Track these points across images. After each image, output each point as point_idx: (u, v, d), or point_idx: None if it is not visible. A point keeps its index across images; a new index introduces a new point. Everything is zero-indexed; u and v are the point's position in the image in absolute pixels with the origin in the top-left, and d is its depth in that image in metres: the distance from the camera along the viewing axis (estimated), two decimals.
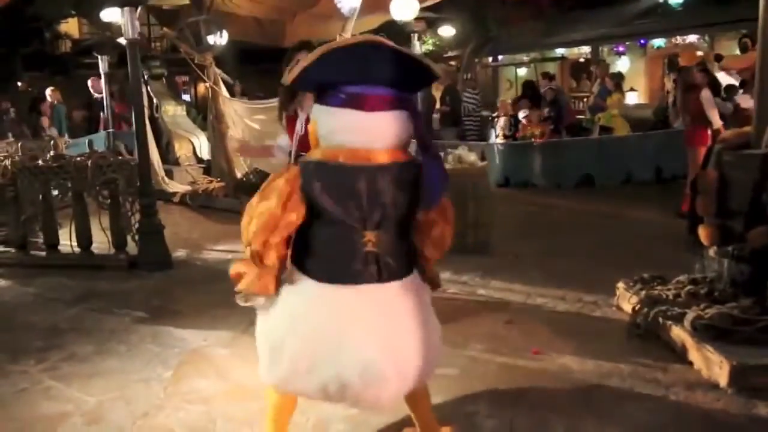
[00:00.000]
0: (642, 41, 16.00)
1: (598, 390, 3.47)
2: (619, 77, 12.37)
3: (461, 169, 6.18)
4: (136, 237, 5.93)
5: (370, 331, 2.50)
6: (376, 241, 2.51)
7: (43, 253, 6.31)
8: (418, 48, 8.02)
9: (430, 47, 15.51)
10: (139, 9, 5.94)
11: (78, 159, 5.96)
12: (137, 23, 5.89)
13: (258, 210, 2.50)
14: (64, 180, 6.03)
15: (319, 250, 2.56)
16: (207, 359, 3.98)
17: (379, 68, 2.43)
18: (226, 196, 8.58)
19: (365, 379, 2.48)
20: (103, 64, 10.77)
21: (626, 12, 14.50)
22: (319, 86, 2.52)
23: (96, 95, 12.09)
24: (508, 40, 15.68)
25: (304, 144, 3.09)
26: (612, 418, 3.19)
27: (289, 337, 2.56)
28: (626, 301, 4.48)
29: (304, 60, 2.43)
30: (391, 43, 2.44)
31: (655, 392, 3.41)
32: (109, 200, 5.94)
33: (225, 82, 9.05)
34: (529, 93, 11.89)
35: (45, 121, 11.62)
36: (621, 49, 16.39)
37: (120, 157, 6.10)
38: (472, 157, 6.30)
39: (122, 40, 9.88)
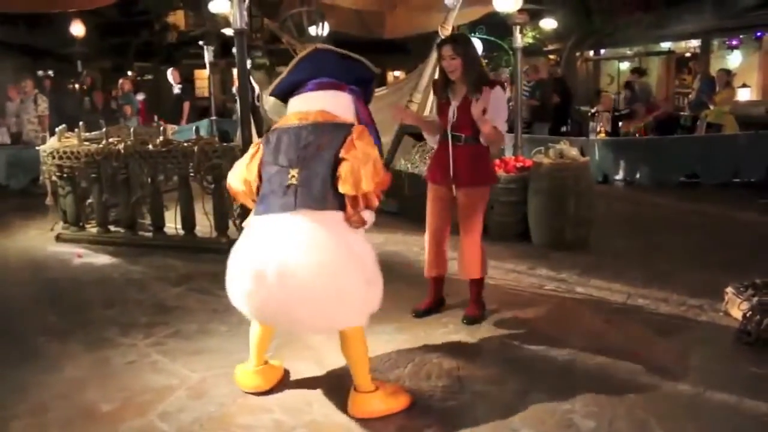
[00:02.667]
0: (758, 34, 15.11)
1: (702, 398, 3.32)
2: (727, 73, 11.76)
3: (562, 164, 6.05)
4: (237, 221, 6.12)
5: (268, 249, 3.03)
6: (297, 176, 3.10)
7: (150, 234, 6.62)
8: (519, 40, 7.85)
9: (530, 40, 15.22)
10: (247, 0, 6.09)
11: (185, 145, 6.20)
12: (245, 13, 6.04)
13: (237, 166, 3.37)
14: (172, 165, 6.29)
15: (263, 192, 3.19)
16: (304, 343, 4.06)
17: (324, 66, 3.40)
18: None
19: (259, 290, 3.03)
20: (208, 54, 11.13)
21: (740, 2, 13.76)
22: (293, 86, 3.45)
23: (176, 86, 12.48)
24: (612, 33, 15.17)
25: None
26: (717, 429, 3.05)
27: (229, 261, 3.23)
28: (735, 306, 4.26)
29: (285, 71, 3.46)
30: (335, 49, 3.49)
31: (766, 405, 3.23)
32: (213, 185, 6.16)
33: None
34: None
35: (127, 110, 12.16)
36: (734, 42, 15.57)
37: (225, 144, 6.29)
38: (573, 152, 6.16)
39: (227, 31, 10.28)
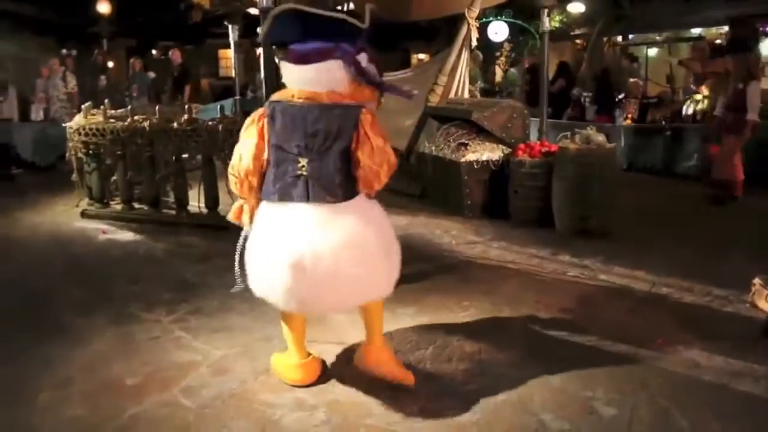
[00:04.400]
0: None
1: (726, 390, 3.27)
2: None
3: (588, 149, 5.99)
4: None
5: (299, 240, 2.99)
6: (307, 167, 3.03)
7: (173, 212, 6.67)
8: (547, 24, 7.74)
9: (557, 24, 15.02)
10: None
11: (210, 123, 6.23)
12: None
13: (245, 146, 3.14)
14: (196, 143, 6.32)
15: (272, 176, 3.10)
16: (325, 322, 4.07)
17: (301, 29, 3.00)
18: None
19: (284, 279, 3.00)
20: (233, 34, 11.11)
21: None
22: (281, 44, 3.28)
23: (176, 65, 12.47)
24: (641, 17, 14.89)
25: None
26: (739, 422, 3.01)
27: (250, 251, 3.19)
28: (763, 298, 4.20)
29: (265, 25, 3.08)
30: (304, 8, 2.95)
31: None
32: None
33: None
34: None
35: (134, 90, 12.20)
36: None
37: None
38: (600, 137, 6.08)
39: (252, 10, 10.25)
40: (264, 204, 3.17)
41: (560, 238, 5.89)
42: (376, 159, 3.04)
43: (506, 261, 5.34)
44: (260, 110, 3.16)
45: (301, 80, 3.08)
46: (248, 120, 3.19)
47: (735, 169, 7.42)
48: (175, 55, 12.45)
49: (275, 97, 3.15)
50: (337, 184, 3.05)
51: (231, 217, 3.41)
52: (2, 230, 6.76)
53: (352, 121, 3.02)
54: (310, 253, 2.97)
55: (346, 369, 3.51)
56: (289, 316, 3.32)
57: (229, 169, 3.25)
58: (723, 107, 7.57)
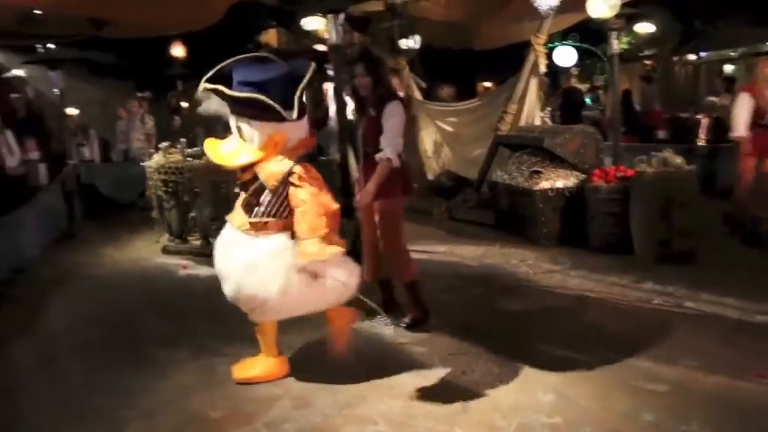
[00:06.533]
0: None
1: None
2: None
3: (666, 172, 5.82)
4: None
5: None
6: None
7: None
8: (616, 46, 7.60)
9: (625, 45, 14.72)
10: (342, 15, 6.18)
11: None
12: (341, 29, 6.13)
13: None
14: None
15: None
16: (407, 356, 4.05)
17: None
18: (418, 198, 8.67)
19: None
20: None
21: None
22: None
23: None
24: (714, 34, 14.49)
25: None
26: None
27: None
28: None
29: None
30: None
31: None
32: None
33: (418, 86, 9.20)
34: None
35: (198, 130, 12.51)
36: None
37: (322, 158, 6.39)
38: (678, 160, 5.91)
39: (318, 47, 10.47)
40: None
41: (641, 265, 5.71)
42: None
43: (586, 289, 5.21)
44: None
45: None
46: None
47: None
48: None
49: None
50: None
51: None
52: (88, 266, 7.02)
53: None
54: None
55: (428, 401, 3.47)
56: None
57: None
58: None
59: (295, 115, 3.40)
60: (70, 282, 6.41)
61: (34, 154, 9.55)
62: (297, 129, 3.58)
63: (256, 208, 3.63)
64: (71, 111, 11.83)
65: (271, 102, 3.34)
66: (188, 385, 3.88)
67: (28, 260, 7.03)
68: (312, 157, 3.70)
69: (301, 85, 3.44)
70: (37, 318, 5.38)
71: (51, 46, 10.69)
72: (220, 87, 3.40)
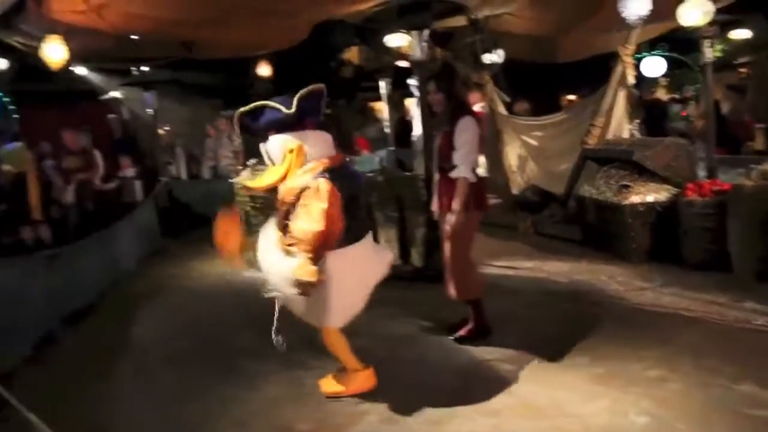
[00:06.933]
0: None
1: None
2: None
3: (766, 186, 5.54)
4: (420, 250, 6.18)
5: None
6: None
7: None
8: (709, 55, 7.33)
9: (718, 53, 14.15)
10: (426, 31, 6.21)
11: (369, 175, 6.39)
12: (424, 45, 6.17)
13: None
14: None
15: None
16: (493, 373, 4.00)
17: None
18: (503, 213, 8.59)
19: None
20: (385, 87, 11.50)
21: None
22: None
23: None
24: None
25: None
26: None
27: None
28: None
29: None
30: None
31: None
32: (396, 214, 6.28)
33: (501, 100, 9.13)
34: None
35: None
36: None
37: (407, 173, 6.42)
38: None
39: (401, 63, 10.54)
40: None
41: (740, 283, 5.43)
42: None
43: (681, 308, 4.99)
44: None
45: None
46: None
47: None
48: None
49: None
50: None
51: None
52: (178, 279, 7.27)
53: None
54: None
55: (517, 419, 3.40)
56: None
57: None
58: None
59: (293, 110, 3.57)
60: (162, 294, 6.64)
61: (129, 172, 9.99)
62: (314, 139, 3.67)
63: (287, 228, 3.64)
64: (162, 130, 12.32)
65: (274, 104, 3.61)
66: (277, 397, 3.95)
67: (122, 273, 7.33)
68: (346, 174, 3.75)
69: (303, 90, 3.63)
70: (132, 328, 5.61)
71: (145, 68, 11.20)
72: (239, 115, 3.68)
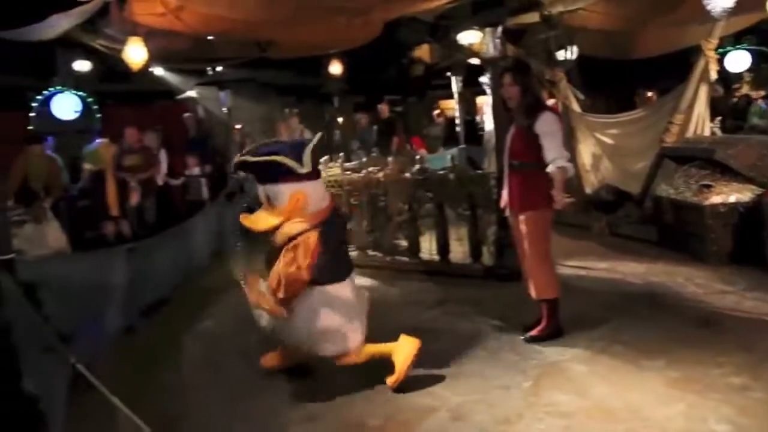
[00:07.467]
0: None
1: None
2: None
3: None
4: (491, 248, 6.14)
5: None
6: None
7: (406, 259, 6.87)
8: None
9: None
10: (500, 28, 6.16)
11: (440, 173, 6.39)
12: (498, 42, 6.11)
13: None
14: (427, 191, 6.51)
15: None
16: (565, 374, 3.93)
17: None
18: (576, 212, 8.43)
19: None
20: (457, 85, 11.45)
21: None
22: None
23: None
24: None
25: None
26: None
27: None
28: None
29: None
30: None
31: None
32: (467, 212, 6.26)
33: (575, 97, 8.95)
34: None
35: (354, 145, 12.68)
36: None
37: (479, 171, 6.38)
38: None
39: (472, 60, 10.47)
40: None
41: None
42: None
43: (765, 313, 4.75)
44: None
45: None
46: None
47: None
48: (383, 110, 13.01)
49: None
50: None
51: None
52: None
53: None
54: None
55: (588, 422, 3.34)
56: None
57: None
58: None
59: (307, 168, 3.88)
60: (233, 289, 6.77)
61: (196, 170, 10.23)
62: (315, 189, 3.99)
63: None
64: (236, 128, 12.59)
65: (287, 160, 3.86)
66: (348, 392, 3.97)
67: (195, 268, 7.53)
68: (336, 221, 4.17)
69: (312, 143, 3.97)
70: (204, 322, 5.78)
71: (219, 68, 11.48)
72: (246, 157, 3.97)
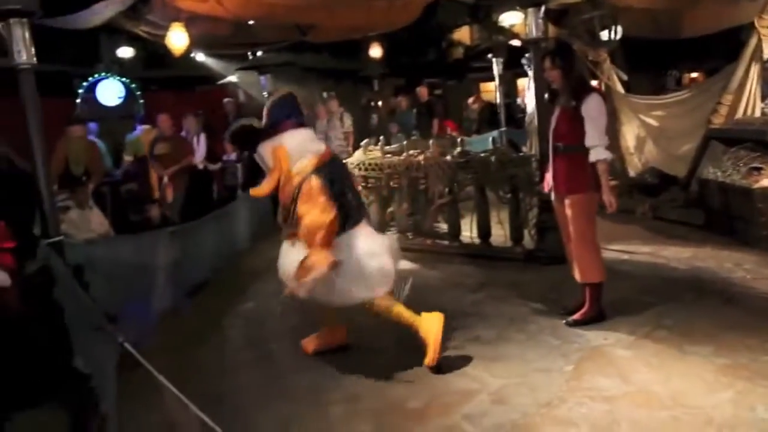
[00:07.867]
0: None
1: None
2: None
3: None
4: (533, 231, 6.09)
5: None
6: None
7: (447, 242, 6.85)
8: None
9: None
10: (542, 9, 6.05)
11: (482, 155, 6.34)
12: (540, 22, 6.01)
13: None
14: (469, 174, 6.47)
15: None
16: (608, 358, 3.88)
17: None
18: (619, 195, 8.26)
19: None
20: (497, 67, 11.33)
21: None
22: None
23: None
24: None
25: None
26: None
27: None
28: None
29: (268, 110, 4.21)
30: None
31: None
32: (509, 195, 6.21)
33: (619, 78, 8.78)
34: None
35: (393, 128, 12.60)
36: None
37: (521, 154, 6.32)
38: None
39: (514, 42, 10.34)
40: None
41: None
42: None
43: None
44: None
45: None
46: None
47: None
48: (422, 93, 12.92)
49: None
50: None
51: None
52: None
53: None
54: None
55: (632, 407, 3.30)
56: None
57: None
58: None
59: (265, 121, 4.12)
60: (274, 271, 6.83)
61: (233, 155, 10.29)
62: (290, 138, 4.09)
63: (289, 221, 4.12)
64: None
65: (245, 120, 4.21)
66: (389, 374, 3.99)
67: (237, 252, 7.63)
68: (335, 167, 4.25)
69: (270, 100, 4.22)
70: (247, 303, 5.86)
71: (259, 53, 11.53)
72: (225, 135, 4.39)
